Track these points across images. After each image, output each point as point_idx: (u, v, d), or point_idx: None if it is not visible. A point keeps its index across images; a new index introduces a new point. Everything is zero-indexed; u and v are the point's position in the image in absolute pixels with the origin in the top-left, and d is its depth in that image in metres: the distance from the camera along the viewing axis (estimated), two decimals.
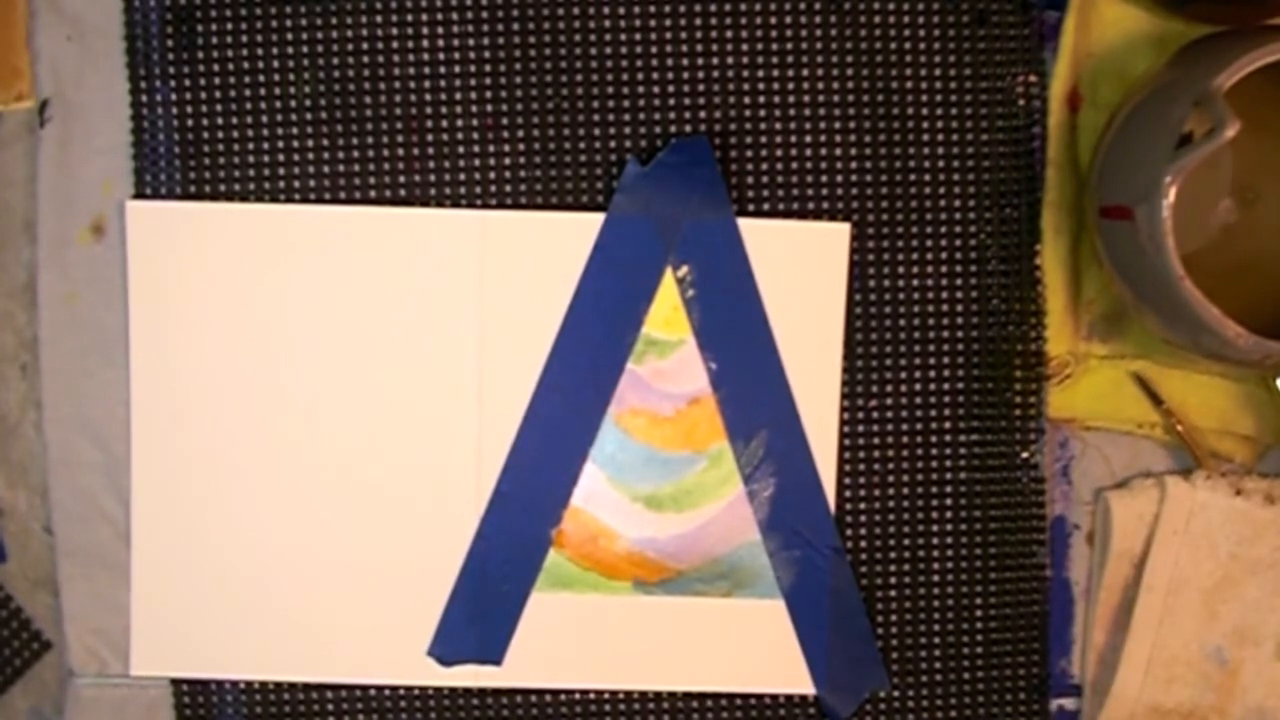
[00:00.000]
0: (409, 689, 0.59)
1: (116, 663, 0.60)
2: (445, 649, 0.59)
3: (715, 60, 0.58)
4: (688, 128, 0.58)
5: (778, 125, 0.58)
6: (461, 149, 0.58)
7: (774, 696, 0.60)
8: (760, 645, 0.59)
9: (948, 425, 0.59)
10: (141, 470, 0.58)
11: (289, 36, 0.58)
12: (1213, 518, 0.58)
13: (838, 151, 0.58)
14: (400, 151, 0.58)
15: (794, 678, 0.59)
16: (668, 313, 0.58)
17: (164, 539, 0.59)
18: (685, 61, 0.58)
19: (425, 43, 0.58)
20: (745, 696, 0.60)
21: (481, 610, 0.59)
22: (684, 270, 0.58)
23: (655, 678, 0.59)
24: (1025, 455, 0.59)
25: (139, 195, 0.58)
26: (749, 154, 0.58)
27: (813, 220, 0.58)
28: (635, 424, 0.58)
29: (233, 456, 0.58)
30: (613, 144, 0.58)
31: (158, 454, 0.58)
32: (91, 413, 0.59)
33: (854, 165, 0.58)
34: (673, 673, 0.59)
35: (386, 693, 0.59)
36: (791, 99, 0.58)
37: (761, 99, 0.58)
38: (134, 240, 0.58)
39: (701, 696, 0.60)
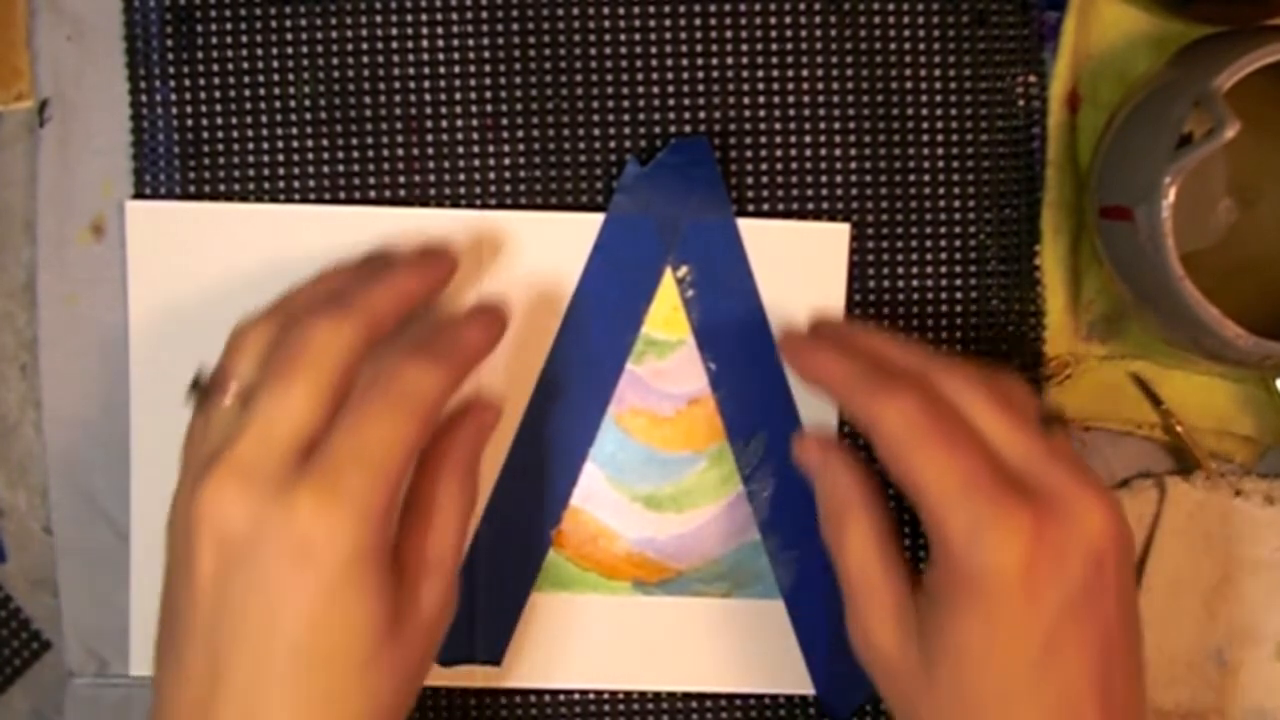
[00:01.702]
0: None
1: (116, 663, 0.60)
2: (444, 649, 0.59)
3: (715, 60, 0.58)
4: (688, 128, 0.58)
5: (778, 125, 0.58)
6: (461, 149, 0.58)
7: (774, 697, 0.60)
8: (760, 645, 0.59)
9: None
10: (141, 471, 0.58)
11: (289, 36, 0.58)
12: (1212, 518, 0.58)
13: (837, 151, 0.58)
14: (400, 151, 0.58)
15: (794, 678, 0.59)
16: (667, 313, 0.58)
17: (163, 539, 0.58)
18: (685, 61, 0.58)
19: (425, 43, 0.58)
20: (745, 697, 0.60)
21: (480, 611, 0.59)
22: (683, 270, 0.58)
23: (655, 678, 0.59)
24: None
25: (139, 195, 0.58)
26: (749, 154, 0.58)
27: (812, 220, 0.58)
28: (635, 424, 0.58)
29: None
30: (613, 144, 0.58)
31: (158, 454, 0.58)
32: (91, 413, 0.59)
33: (854, 165, 0.58)
34: (673, 673, 0.59)
35: None
36: (791, 99, 0.58)
37: (761, 99, 0.58)
38: (133, 240, 0.58)
39: (701, 697, 0.60)
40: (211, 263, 0.58)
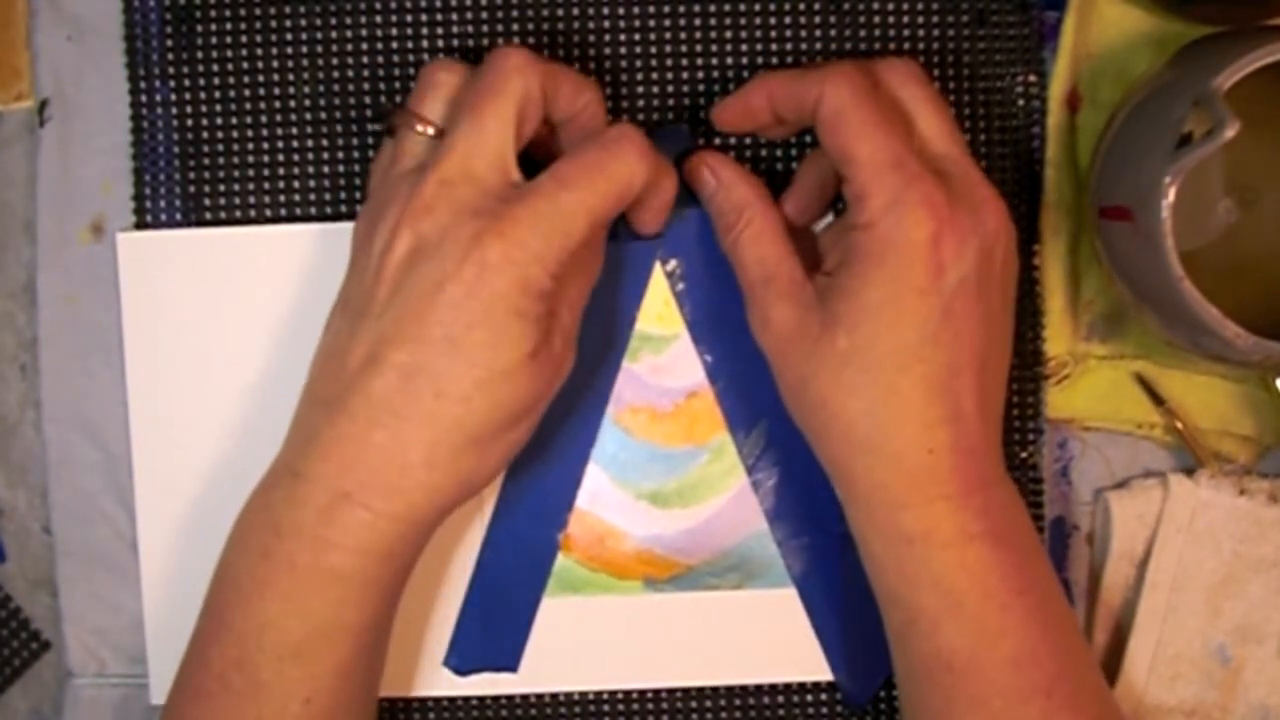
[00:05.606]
0: (423, 700, 0.59)
1: (116, 663, 0.60)
2: (461, 659, 0.59)
3: (715, 60, 0.58)
4: (688, 127, 0.58)
5: None
6: None
7: (793, 684, 0.59)
8: (776, 634, 0.58)
9: None
10: (143, 483, 0.58)
11: (289, 36, 0.58)
12: (1216, 516, 0.58)
13: None
14: None
15: (812, 665, 0.59)
16: (660, 308, 0.58)
17: (170, 543, 0.58)
18: (685, 61, 0.58)
19: (425, 43, 0.58)
20: (764, 687, 0.59)
21: (494, 619, 0.58)
22: (672, 264, 0.57)
23: (673, 675, 0.59)
24: (1024, 456, 0.59)
25: (139, 195, 0.58)
26: (748, 152, 0.58)
27: None
28: (635, 422, 0.58)
29: (237, 476, 0.57)
30: None
31: (158, 465, 0.58)
32: (91, 413, 0.59)
33: None
34: (690, 668, 0.59)
35: (405, 704, 0.59)
36: None
37: None
38: (125, 270, 0.57)
39: (720, 690, 0.59)
40: (207, 285, 0.57)
